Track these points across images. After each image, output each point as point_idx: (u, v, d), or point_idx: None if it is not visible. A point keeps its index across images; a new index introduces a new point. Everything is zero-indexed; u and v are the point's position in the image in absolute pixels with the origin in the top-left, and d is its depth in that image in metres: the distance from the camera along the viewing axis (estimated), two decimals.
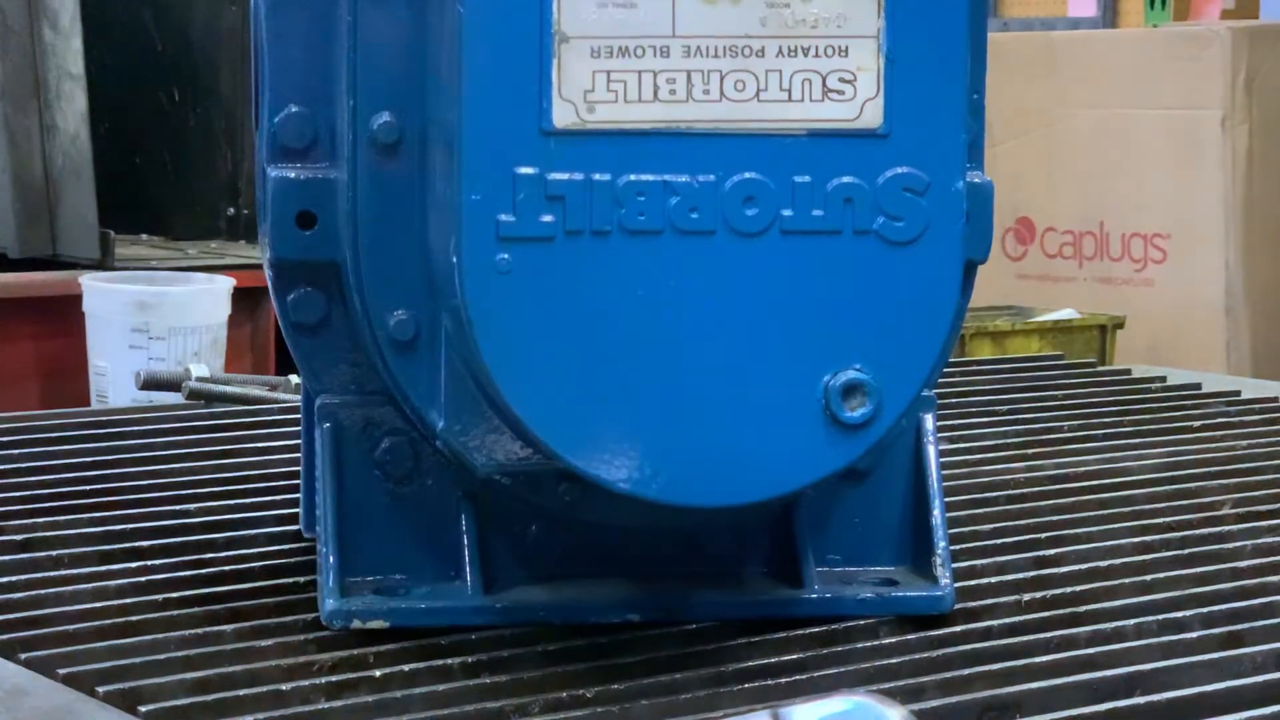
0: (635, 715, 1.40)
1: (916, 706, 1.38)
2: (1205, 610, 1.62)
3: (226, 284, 4.34)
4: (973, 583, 1.66)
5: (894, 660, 1.49)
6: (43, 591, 1.58)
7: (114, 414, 2.33)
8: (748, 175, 1.39)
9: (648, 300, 1.39)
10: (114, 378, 4.15)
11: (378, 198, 1.50)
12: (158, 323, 4.17)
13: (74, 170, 4.70)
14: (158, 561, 1.67)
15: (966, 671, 1.47)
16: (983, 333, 3.26)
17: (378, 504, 1.56)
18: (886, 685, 1.44)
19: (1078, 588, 1.67)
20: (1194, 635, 1.56)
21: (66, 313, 4.34)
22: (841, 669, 1.48)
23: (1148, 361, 3.01)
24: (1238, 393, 2.48)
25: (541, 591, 1.56)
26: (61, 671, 1.41)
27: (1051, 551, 1.77)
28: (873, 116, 1.41)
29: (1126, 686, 1.45)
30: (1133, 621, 1.59)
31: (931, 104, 1.42)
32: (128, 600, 1.57)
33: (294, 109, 1.52)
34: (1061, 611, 1.61)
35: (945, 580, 1.59)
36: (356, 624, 1.51)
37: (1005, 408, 2.35)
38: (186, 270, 4.64)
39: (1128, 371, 2.63)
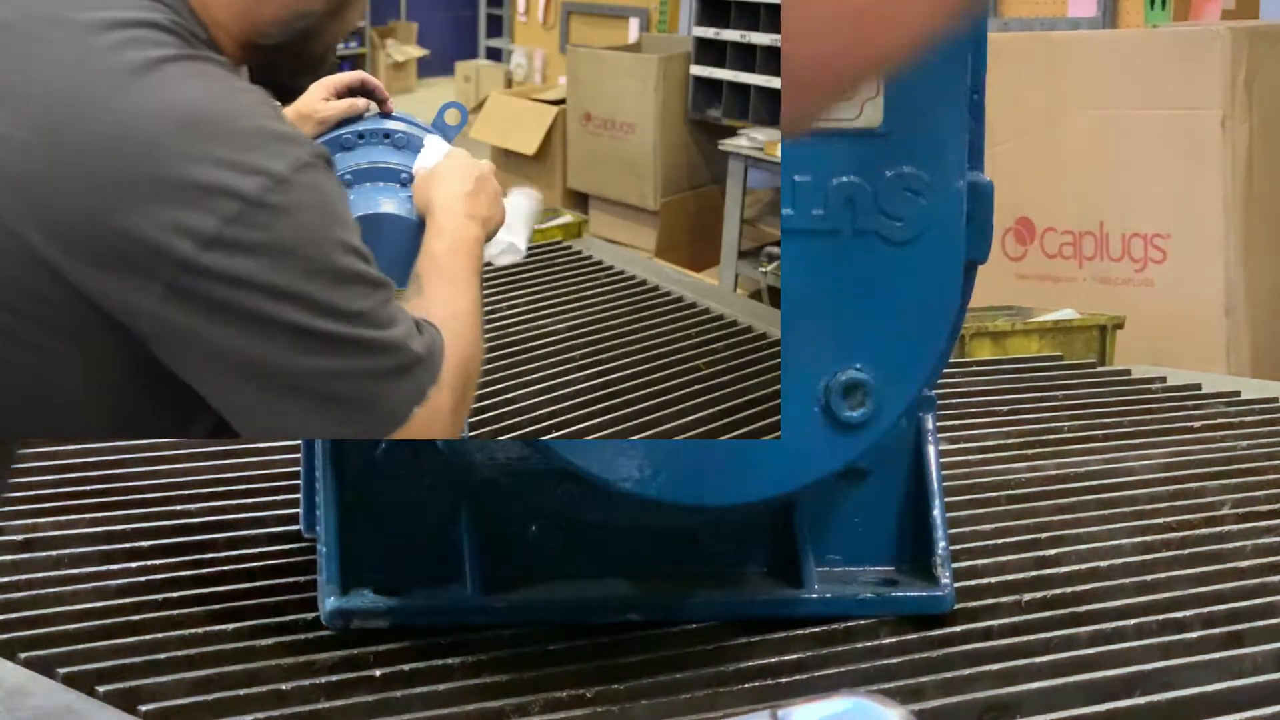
0: (635, 715, 1.40)
1: (916, 706, 1.38)
2: (1205, 610, 1.62)
3: None
4: (973, 583, 1.66)
5: (894, 660, 1.50)
6: (43, 591, 1.59)
7: None
8: None
9: None
10: None
11: None
12: None
13: None
14: (158, 561, 1.67)
15: (967, 671, 1.47)
16: (983, 333, 3.25)
17: (378, 504, 1.57)
18: (886, 685, 1.44)
19: (1078, 588, 1.67)
20: (1194, 635, 1.56)
21: None
22: (841, 669, 1.48)
23: (1148, 361, 3.01)
24: (1238, 393, 2.48)
25: (541, 591, 1.56)
26: (61, 671, 1.42)
27: (1052, 551, 1.78)
28: (873, 116, 1.41)
29: (1126, 686, 1.45)
30: (1133, 621, 1.59)
31: (931, 104, 1.42)
32: (128, 600, 1.57)
33: None
34: (1061, 611, 1.61)
35: (945, 580, 1.60)
36: (356, 624, 1.51)
37: (1006, 408, 2.35)
38: None
39: (1128, 372, 2.63)
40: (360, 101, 1.57)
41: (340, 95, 1.55)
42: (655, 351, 2.45)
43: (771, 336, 2.50)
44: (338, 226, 1.03)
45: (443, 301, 1.22)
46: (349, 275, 1.03)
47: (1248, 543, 1.81)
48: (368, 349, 1.04)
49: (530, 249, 3.39)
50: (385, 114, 1.58)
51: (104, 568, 1.65)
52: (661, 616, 1.55)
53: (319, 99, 1.55)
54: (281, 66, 1.20)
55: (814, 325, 1.42)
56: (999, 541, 1.79)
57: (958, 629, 1.56)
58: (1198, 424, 2.30)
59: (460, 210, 1.34)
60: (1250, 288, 3.95)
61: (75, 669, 1.41)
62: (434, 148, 1.47)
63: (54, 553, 1.69)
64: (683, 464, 1.41)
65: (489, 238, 1.39)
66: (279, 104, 1.11)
